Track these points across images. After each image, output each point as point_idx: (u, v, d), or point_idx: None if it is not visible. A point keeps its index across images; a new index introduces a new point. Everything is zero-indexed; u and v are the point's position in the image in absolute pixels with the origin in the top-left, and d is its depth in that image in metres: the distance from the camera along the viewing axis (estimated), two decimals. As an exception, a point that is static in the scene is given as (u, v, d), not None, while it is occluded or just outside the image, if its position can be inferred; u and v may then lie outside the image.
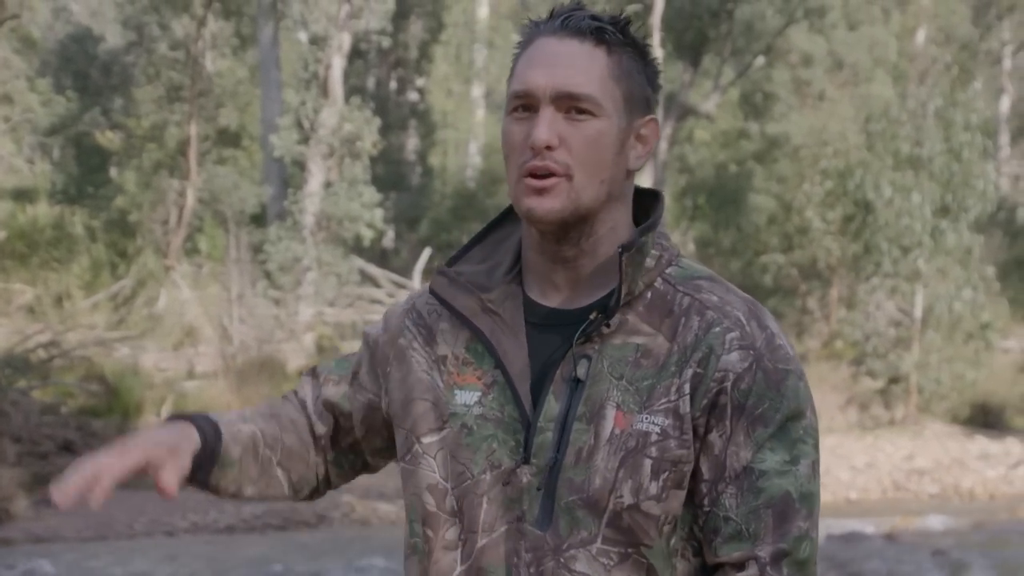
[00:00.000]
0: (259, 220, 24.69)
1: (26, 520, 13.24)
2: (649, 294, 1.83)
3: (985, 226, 22.19)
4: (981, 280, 20.71)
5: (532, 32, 1.87)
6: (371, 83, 29.87)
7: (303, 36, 24.72)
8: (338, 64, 23.11)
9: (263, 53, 25.28)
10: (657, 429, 1.77)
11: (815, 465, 1.81)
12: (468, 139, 29.73)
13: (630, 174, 1.89)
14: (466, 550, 1.85)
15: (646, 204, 1.93)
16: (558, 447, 1.79)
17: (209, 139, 26.74)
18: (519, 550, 1.81)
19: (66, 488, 1.82)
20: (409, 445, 1.93)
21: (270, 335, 19.34)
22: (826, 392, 20.12)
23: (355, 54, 26.79)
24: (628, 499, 1.76)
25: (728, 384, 1.77)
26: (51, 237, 24.11)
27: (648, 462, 1.76)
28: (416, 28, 29.41)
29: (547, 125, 1.80)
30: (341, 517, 14.42)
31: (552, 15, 1.85)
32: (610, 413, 1.78)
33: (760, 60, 30.24)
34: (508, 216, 1.97)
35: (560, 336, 1.84)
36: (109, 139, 27.60)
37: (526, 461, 1.81)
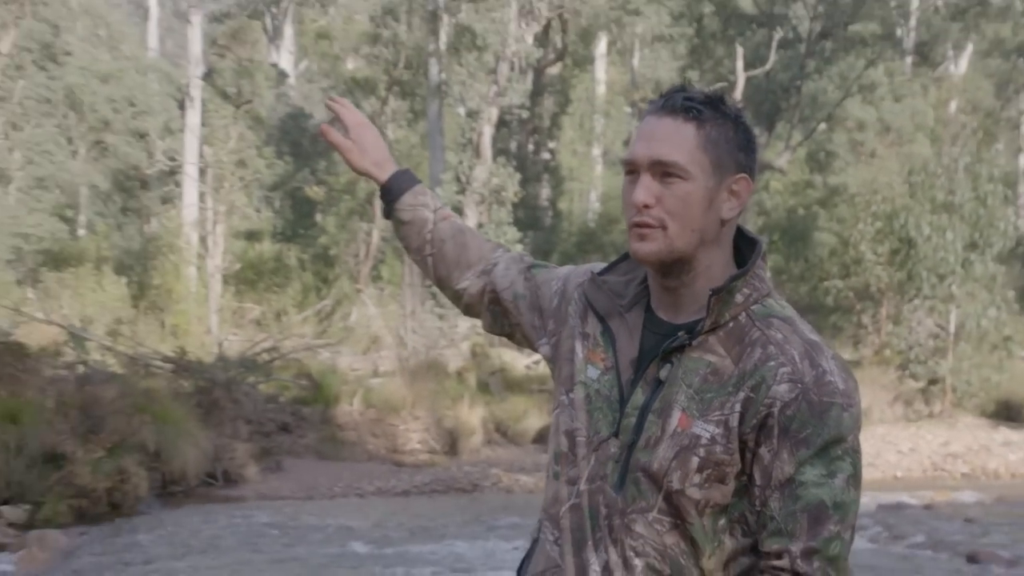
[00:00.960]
0: (428, 253, 24.90)
1: (254, 483, 13.53)
2: (731, 324, 1.81)
3: (1006, 258, 21.53)
4: (1003, 302, 20.17)
5: (646, 111, 1.88)
6: (513, 146, 30.00)
7: (461, 110, 24.94)
8: (488, 132, 23.27)
9: (430, 124, 25.57)
10: (707, 435, 1.76)
11: (851, 479, 1.76)
12: (589, 189, 29.68)
13: (725, 223, 1.85)
14: (578, 488, 1.86)
15: (746, 249, 1.90)
16: (636, 431, 1.81)
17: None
18: (600, 504, 1.83)
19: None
20: (558, 393, 1.96)
21: (435, 343, 19.49)
22: (877, 391, 19.62)
23: (501, 123, 26.95)
24: (676, 484, 1.77)
25: (775, 410, 1.75)
26: (272, 267, 24.63)
27: (695, 459, 1.76)
28: (548, 103, 29.49)
29: (644, 188, 1.81)
30: (491, 486, 14.41)
31: (662, 95, 1.86)
32: (676, 413, 1.79)
33: (823, 126, 29.76)
34: None
35: (661, 342, 1.84)
36: (315, 192, 28.12)
37: (616, 435, 1.83)
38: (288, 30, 36.88)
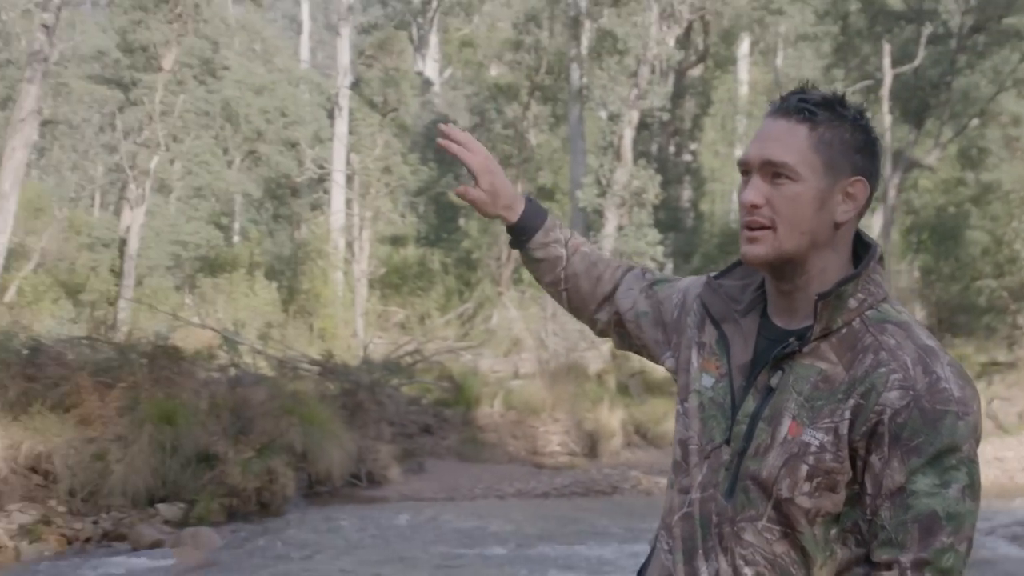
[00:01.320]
0: (569, 257, 24.91)
1: (397, 484, 13.65)
2: (845, 330, 1.76)
3: None
4: None
5: (765, 113, 1.85)
6: (654, 148, 29.76)
7: (603, 114, 24.89)
8: (628, 135, 23.16)
9: (572, 128, 25.60)
10: (817, 443, 1.72)
11: (967, 490, 1.69)
12: (732, 190, 29.24)
13: (839, 226, 1.80)
14: (689, 497, 1.85)
15: (862, 252, 1.85)
16: (746, 438, 1.78)
17: (531, 194, 27.25)
18: (711, 512, 1.80)
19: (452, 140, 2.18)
20: (677, 404, 1.96)
21: (575, 345, 19.48)
22: (1031, 392, 18.82)
23: (642, 126, 26.77)
24: (785, 493, 1.73)
25: (886, 417, 1.69)
26: (416, 272, 25.02)
27: (805, 468, 1.72)
28: (689, 104, 29.15)
29: (754, 188, 1.79)
30: (630, 488, 14.30)
31: (781, 97, 1.84)
32: (786, 421, 1.75)
33: (975, 121, 28.64)
34: None
35: (774, 348, 1.81)
36: (459, 198, 28.44)
37: (727, 443, 1.80)
38: (433, 39, 37.40)
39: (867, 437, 1.70)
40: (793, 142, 1.77)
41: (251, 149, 26.39)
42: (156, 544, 9.91)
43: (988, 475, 15.23)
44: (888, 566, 1.70)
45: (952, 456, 1.68)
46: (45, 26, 15.46)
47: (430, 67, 36.37)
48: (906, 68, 26.42)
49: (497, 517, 12.21)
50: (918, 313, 23.87)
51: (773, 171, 1.77)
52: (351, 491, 13.08)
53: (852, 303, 1.76)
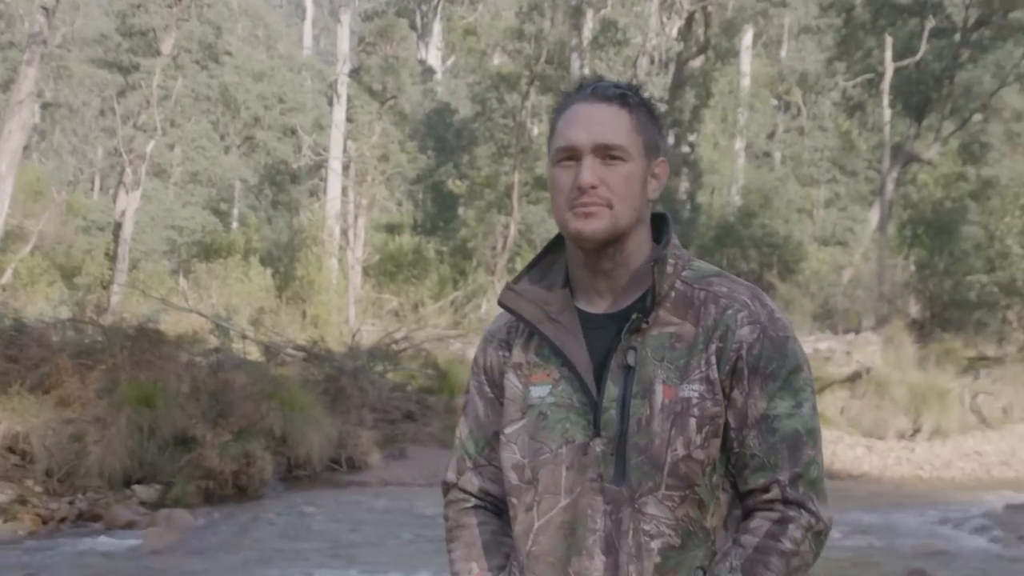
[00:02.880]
0: (563, 246, 24.90)
1: (377, 469, 13.63)
2: (672, 293, 1.86)
3: None
4: None
5: (567, 100, 1.92)
6: (653, 140, 29.79)
7: (601, 105, 24.88)
8: (626, 126, 23.11)
9: (571, 119, 25.56)
10: (696, 394, 1.81)
11: (814, 407, 1.85)
12: (730, 182, 29.23)
13: (650, 203, 1.92)
14: (542, 508, 1.87)
15: (657, 225, 1.95)
16: (621, 420, 1.82)
17: (528, 184, 27.26)
18: (597, 503, 1.83)
19: None
20: (499, 438, 1.95)
21: (564, 335, 19.45)
22: (1019, 388, 18.82)
23: (640, 118, 26.78)
24: (681, 451, 1.80)
25: (744, 352, 1.82)
26: (412, 260, 25.07)
27: (693, 420, 1.80)
28: (689, 96, 29.14)
29: (590, 170, 1.84)
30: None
31: (582, 86, 1.91)
32: (659, 388, 1.82)
33: (977, 116, 28.58)
34: (555, 245, 2.00)
35: (609, 334, 1.86)
36: (457, 186, 28.51)
37: (597, 435, 1.83)
38: (437, 27, 37.45)
39: (730, 375, 1.81)
40: (620, 126, 1.86)
41: (249, 135, 26.51)
42: (130, 525, 10.04)
43: (965, 468, 15.32)
44: (766, 488, 1.81)
45: (799, 377, 1.83)
46: (44, 8, 15.53)
47: (433, 55, 36.43)
48: (908, 62, 26.39)
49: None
50: (911, 307, 23.89)
51: (607, 153, 1.85)
52: (330, 476, 13.17)
53: (669, 268, 1.86)
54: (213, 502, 11.24)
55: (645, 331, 1.84)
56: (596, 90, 1.88)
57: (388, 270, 23.84)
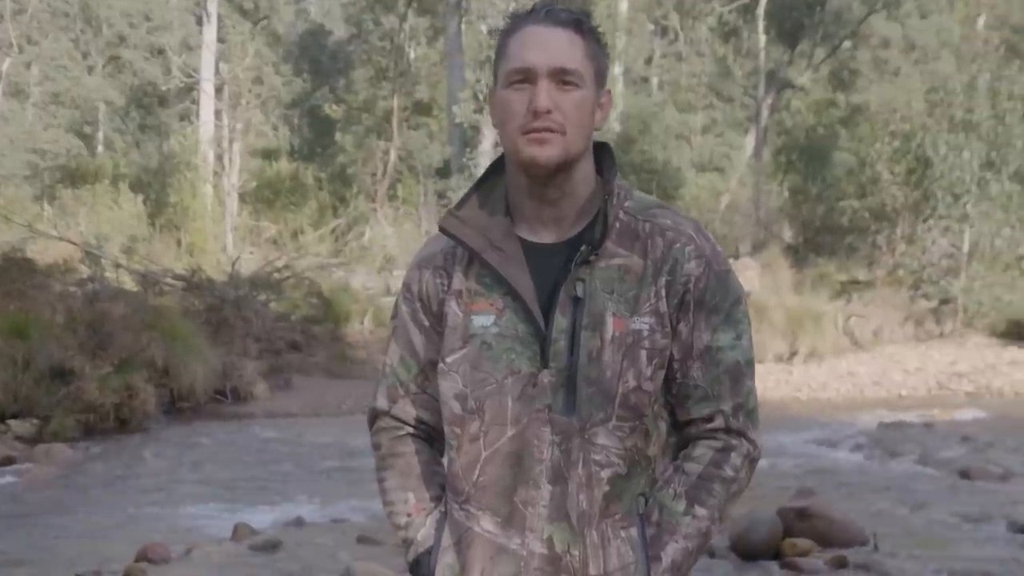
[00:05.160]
0: (444, 173, 24.81)
1: (263, 400, 13.51)
2: (617, 224, 1.84)
3: (1023, 177, 21.31)
4: (1018, 221, 20.06)
5: (519, 22, 1.85)
6: (533, 64, 29.67)
7: (482, 27, 24.65)
8: (506, 50, 22.93)
9: (449, 42, 25.29)
10: (647, 327, 1.81)
11: (751, 339, 1.89)
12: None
13: (593, 133, 1.88)
14: (489, 439, 1.84)
15: (598, 153, 1.92)
16: (571, 352, 1.80)
17: (407, 109, 26.96)
18: (544, 434, 1.81)
19: None
20: (438, 365, 1.90)
21: (449, 262, 19.39)
22: (889, 311, 19.58)
23: (520, 42, 26.60)
24: (632, 383, 1.80)
25: (691, 285, 1.83)
26: (289, 186, 24.60)
27: (644, 352, 1.81)
28: (568, 20, 29.04)
29: (545, 94, 1.79)
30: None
31: (535, 9, 1.85)
32: (609, 320, 1.80)
33: (847, 43, 29.24)
34: (495, 170, 1.94)
35: (555, 265, 1.83)
36: (334, 110, 27.99)
37: (545, 366, 1.80)
38: (308, -55, 36.43)
39: (677, 308, 1.82)
40: (576, 51, 1.81)
41: (114, 55, 25.46)
42: (7, 461, 9.70)
43: (840, 389, 15.90)
44: (710, 418, 1.85)
45: (738, 310, 1.86)
46: None
47: (305, -26, 35.47)
48: (782, -13, 26.76)
49: (363, 432, 12.22)
50: (786, 232, 24.53)
51: (562, 78, 1.80)
52: (216, 407, 12.96)
53: (614, 200, 1.85)
54: (94, 436, 10.97)
55: (593, 263, 1.82)
56: (550, 13, 1.83)
57: (265, 197, 23.36)
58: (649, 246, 1.83)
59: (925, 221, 20.29)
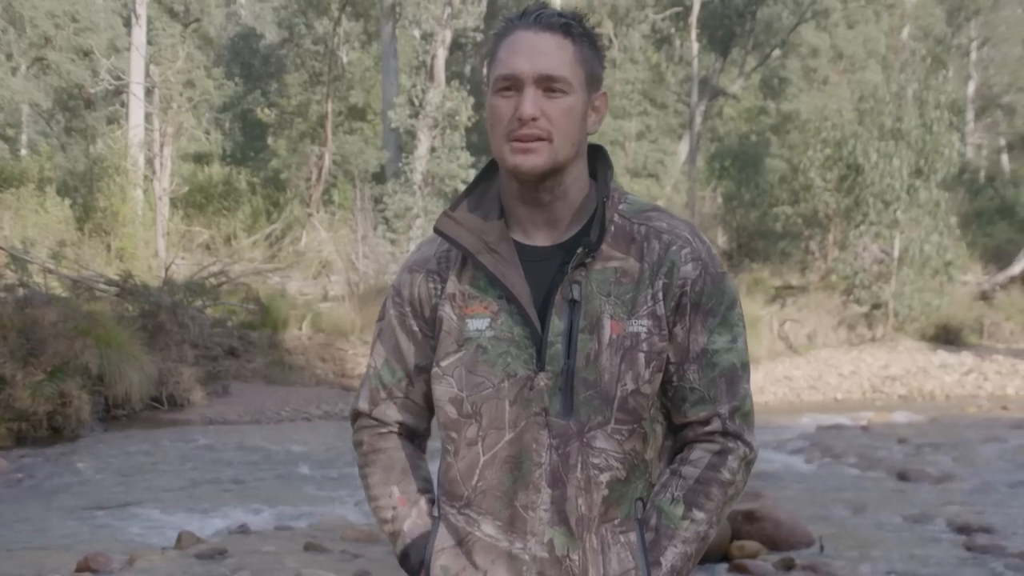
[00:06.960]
0: (379, 178, 24.70)
1: (200, 407, 13.37)
2: (612, 227, 1.85)
3: (951, 184, 21.82)
4: (946, 227, 20.51)
5: (509, 27, 1.85)
6: (467, 69, 29.70)
7: (416, 33, 24.58)
8: (442, 55, 22.97)
9: (384, 46, 25.20)
10: (644, 329, 1.81)
11: (746, 341, 1.90)
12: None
13: (587, 137, 1.89)
14: (487, 443, 1.83)
15: (592, 156, 1.93)
16: (568, 355, 1.79)
17: (342, 114, 26.81)
18: (542, 437, 1.80)
19: None
20: (432, 370, 1.89)
21: (386, 268, 19.39)
22: (822, 316, 19.91)
23: (455, 46, 26.65)
24: (631, 386, 1.80)
25: (688, 288, 1.83)
26: (222, 191, 24.32)
27: (642, 355, 1.80)
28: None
29: (531, 101, 1.79)
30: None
31: (525, 13, 1.84)
32: (607, 323, 1.80)
33: (777, 52, 29.68)
34: (488, 173, 1.94)
35: (550, 268, 1.83)
36: (266, 114, 27.76)
37: (542, 369, 1.80)
38: (239, -53, 36.07)
39: (673, 311, 1.82)
40: (564, 56, 1.80)
41: (38, 56, 24.93)
42: (-64, 471, 9.47)
43: (777, 393, 16.13)
44: (706, 421, 1.85)
45: (734, 313, 1.87)
46: None
47: (235, -23, 35.10)
48: (714, -4, 27.10)
49: (304, 439, 12.13)
50: (719, 238, 24.81)
51: (549, 85, 1.80)
52: (152, 415, 12.76)
53: (610, 203, 1.85)
54: (26, 444, 10.75)
55: (589, 265, 1.82)
56: (540, 18, 1.82)
57: (197, 202, 23.04)
58: (645, 249, 1.83)
59: (857, 227, 20.65)
